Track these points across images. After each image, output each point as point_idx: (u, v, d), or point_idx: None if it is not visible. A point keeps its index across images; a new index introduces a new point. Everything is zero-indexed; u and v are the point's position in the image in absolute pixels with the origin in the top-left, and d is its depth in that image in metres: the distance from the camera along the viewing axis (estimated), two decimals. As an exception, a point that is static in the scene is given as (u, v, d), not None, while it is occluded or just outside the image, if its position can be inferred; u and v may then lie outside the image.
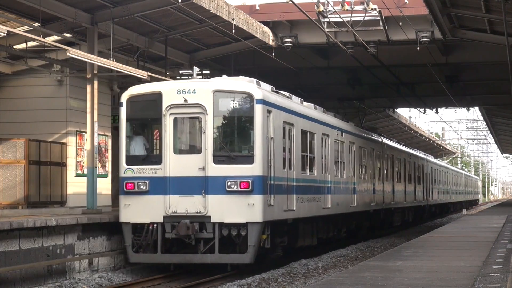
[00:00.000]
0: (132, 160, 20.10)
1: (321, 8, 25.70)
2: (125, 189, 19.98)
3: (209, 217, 19.41)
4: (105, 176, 28.03)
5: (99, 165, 26.64)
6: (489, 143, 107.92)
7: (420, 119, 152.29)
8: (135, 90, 20.62)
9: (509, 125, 60.31)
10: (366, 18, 27.14)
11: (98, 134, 24.89)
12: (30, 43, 24.28)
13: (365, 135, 33.45)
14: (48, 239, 18.72)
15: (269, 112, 20.21)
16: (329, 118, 27.25)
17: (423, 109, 47.92)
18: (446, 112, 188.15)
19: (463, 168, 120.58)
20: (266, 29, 29.13)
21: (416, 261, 15.86)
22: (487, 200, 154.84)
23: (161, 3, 23.79)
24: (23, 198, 23.56)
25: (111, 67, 23.24)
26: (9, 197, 23.67)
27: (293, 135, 22.28)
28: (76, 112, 26.48)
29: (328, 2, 26.22)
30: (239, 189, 19.36)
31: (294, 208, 21.99)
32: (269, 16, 29.66)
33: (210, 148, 19.55)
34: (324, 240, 26.16)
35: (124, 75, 25.98)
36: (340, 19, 26.01)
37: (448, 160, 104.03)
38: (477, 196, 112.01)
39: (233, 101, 19.79)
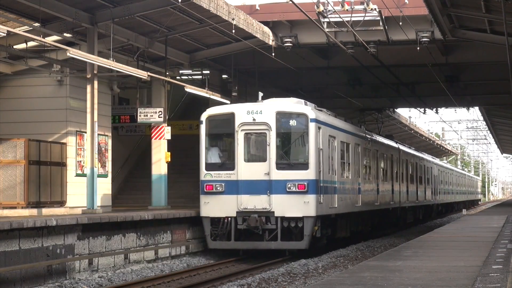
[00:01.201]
0: (210, 166, 24.58)
1: (321, 8, 25.68)
2: (205, 190, 24.50)
3: (273, 212, 23.91)
4: (105, 176, 28.02)
5: (99, 165, 26.64)
6: (489, 143, 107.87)
7: (420, 119, 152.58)
8: (212, 111, 25.09)
9: (509, 125, 60.29)
10: (366, 18, 27.12)
11: (98, 134, 24.90)
12: (30, 43, 24.27)
13: (386, 142, 37.77)
14: (48, 239, 18.72)
15: (319, 128, 24.67)
16: (358, 130, 31.35)
17: (423, 109, 47.91)
18: (446, 112, 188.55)
19: (463, 168, 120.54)
20: (266, 29, 29.11)
21: (416, 261, 15.84)
22: (487, 200, 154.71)
23: (161, 3, 23.79)
24: (23, 198, 23.55)
25: (111, 67, 23.26)
26: (9, 197, 23.65)
27: (335, 145, 26.79)
28: (76, 112, 26.48)
29: (328, 2, 26.20)
30: (297, 190, 23.87)
31: (336, 205, 26.43)
32: (269, 16, 29.62)
33: (273, 157, 24.08)
34: (355, 233, 30.24)
35: (124, 75, 26.00)
36: (340, 19, 25.99)
37: (448, 160, 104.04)
38: (478, 196, 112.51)
39: (292, 120, 24.27)
